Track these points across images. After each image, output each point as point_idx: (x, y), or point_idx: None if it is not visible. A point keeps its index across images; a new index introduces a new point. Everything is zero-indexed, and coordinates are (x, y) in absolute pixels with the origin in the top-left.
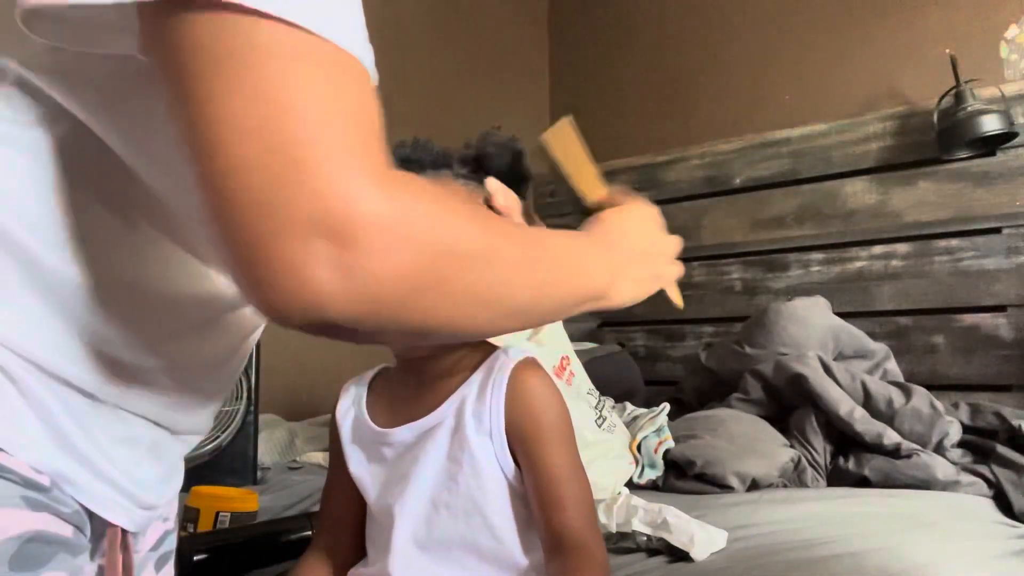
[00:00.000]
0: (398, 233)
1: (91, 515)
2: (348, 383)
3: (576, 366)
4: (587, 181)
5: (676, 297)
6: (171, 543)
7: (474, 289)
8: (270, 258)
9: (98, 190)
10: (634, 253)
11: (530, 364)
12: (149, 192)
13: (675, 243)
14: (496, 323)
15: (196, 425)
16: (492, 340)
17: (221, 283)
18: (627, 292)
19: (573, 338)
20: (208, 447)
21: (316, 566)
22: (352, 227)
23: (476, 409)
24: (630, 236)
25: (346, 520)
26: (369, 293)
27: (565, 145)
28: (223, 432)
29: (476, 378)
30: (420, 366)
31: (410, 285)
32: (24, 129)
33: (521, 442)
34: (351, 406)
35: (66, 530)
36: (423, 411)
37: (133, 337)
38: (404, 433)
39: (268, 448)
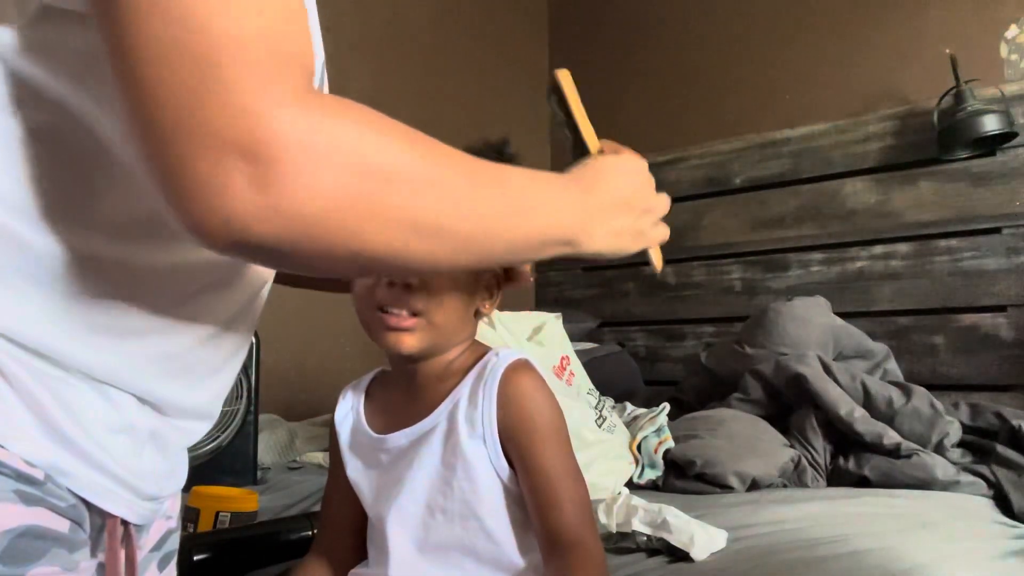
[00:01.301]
0: (317, 152)
1: (91, 509)
2: (346, 388)
3: (576, 366)
4: (588, 130)
5: (657, 260)
6: (174, 543)
7: (408, 215)
8: (187, 178)
9: (81, 167)
10: (614, 202)
11: (521, 365)
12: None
13: (663, 202)
14: (440, 255)
15: (199, 405)
16: (486, 342)
17: None
18: (600, 241)
19: (573, 338)
20: (208, 447)
21: (317, 567)
22: (268, 146)
23: (468, 413)
24: (612, 184)
25: (346, 523)
26: (289, 212)
27: (572, 91)
28: (223, 432)
29: (468, 381)
30: (413, 369)
31: (333, 205)
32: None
33: (515, 444)
34: (349, 412)
35: (62, 524)
36: (417, 416)
37: (129, 307)
38: (399, 439)
39: (268, 448)
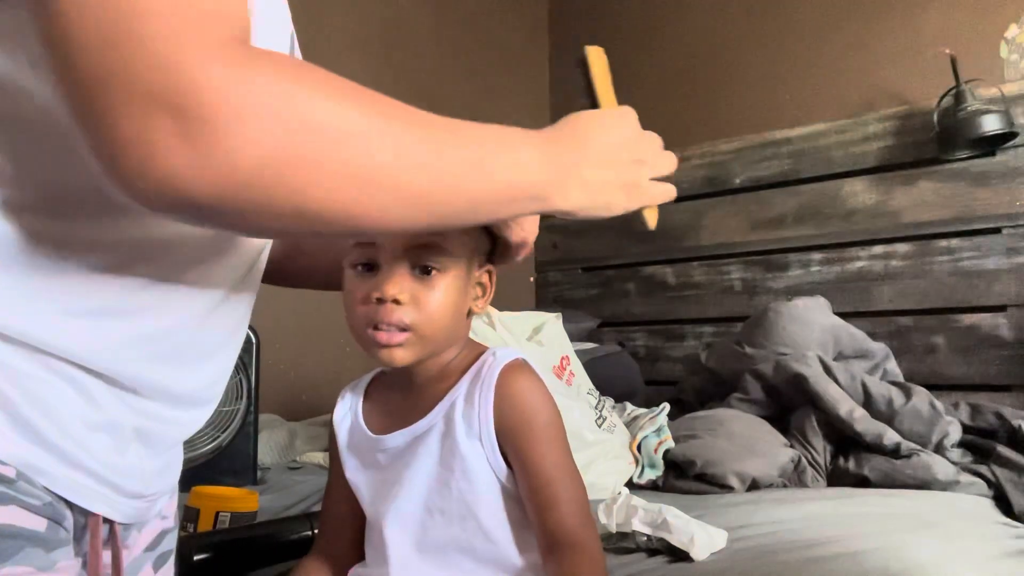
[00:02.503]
0: (247, 104)
1: (72, 507)
2: (345, 389)
3: (576, 366)
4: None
5: (651, 218)
6: (170, 542)
7: (352, 169)
8: (115, 135)
9: (38, 146)
10: (594, 154)
11: (518, 365)
12: None
13: (663, 157)
14: (395, 212)
15: (192, 391)
16: (486, 342)
17: None
18: (577, 197)
19: (573, 338)
20: (208, 447)
21: (317, 567)
22: (195, 99)
23: (466, 412)
24: (592, 135)
25: (346, 523)
26: (223, 168)
27: (600, 67)
28: (223, 432)
29: (465, 381)
30: (410, 371)
31: (268, 159)
32: None
33: (512, 444)
34: (347, 413)
35: (37, 523)
36: (414, 416)
37: (105, 287)
38: (397, 439)
39: (268, 448)
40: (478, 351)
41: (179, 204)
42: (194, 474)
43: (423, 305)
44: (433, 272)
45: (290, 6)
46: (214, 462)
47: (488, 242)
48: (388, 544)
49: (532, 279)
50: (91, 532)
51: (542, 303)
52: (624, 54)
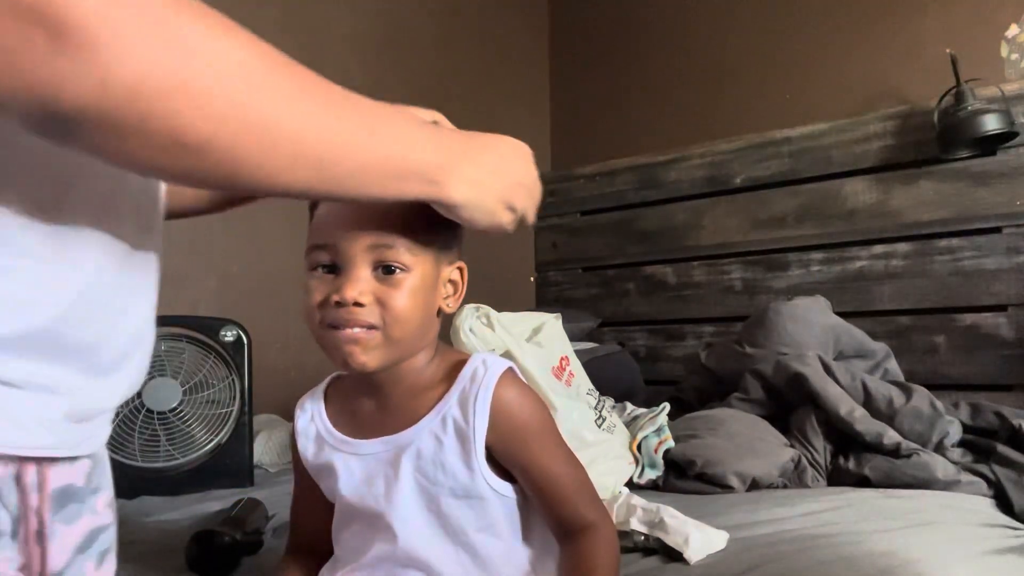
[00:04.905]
0: (130, 21)
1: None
2: (302, 399)
3: (576, 366)
4: None
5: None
6: (107, 540)
7: (238, 109)
8: None
9: None
10: (488, 160)
11: (509, 378)
12: None
13: (536, 182)
14: (276, 162)
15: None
16: (486, 343)
17: None
18: (464, 191)
19: (573, 338)
20: (203, 449)
21: (295, 570)
22: (73, 12)
23: (458, 431)
24: (488, 143)
25: (320, 531)
26: (95, 81)
27: None
28: (218, 435)
29: (453, 395)
30: (378, 375)
31: (147, 80)
32: None
33: (510, 454)
34: (310, 423)
35: None
36: (394, 425)
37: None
38: (374, 447)
39: (268, 448)
40: (454, 358)
41: (50, 114)
42: (190, 477)
43: (388, 307)
44: (397, 272)
45: (291, 6)
46: (209, 464)
47: (457, 238)
48: (371, 550)
49: (532, 279)
50: (21, 489)
51: (542, 303)
52: (624, 54)
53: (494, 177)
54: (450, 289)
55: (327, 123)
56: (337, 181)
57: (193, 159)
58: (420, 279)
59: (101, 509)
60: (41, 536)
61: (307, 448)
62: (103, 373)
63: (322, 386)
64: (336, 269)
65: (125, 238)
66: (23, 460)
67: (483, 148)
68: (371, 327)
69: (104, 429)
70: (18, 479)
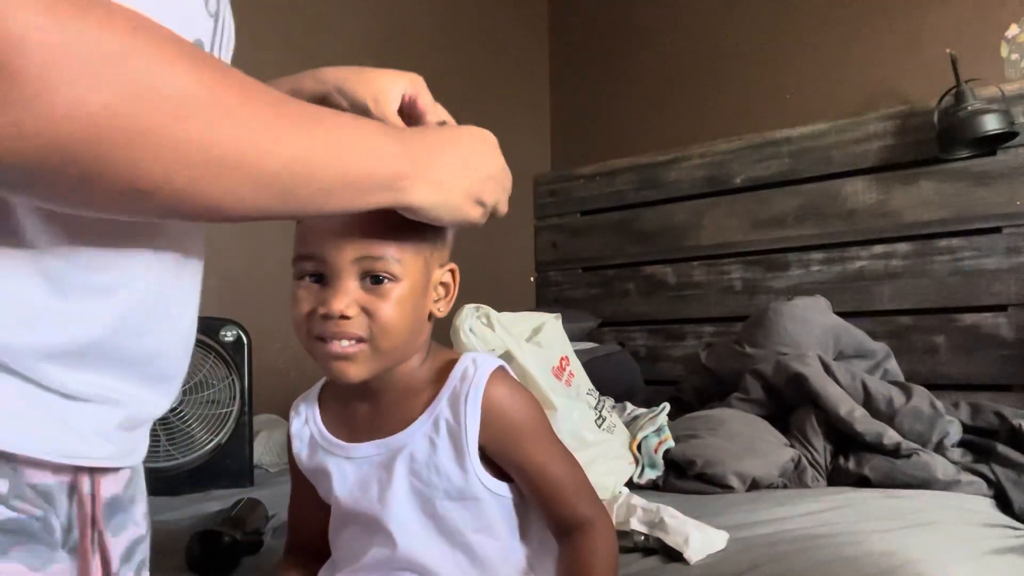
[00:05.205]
0: (74, 61)
1: (55, 501)
2: (297, 401)
3: (576, 366)
4: None
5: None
6: (144, 551)
7: (194, 147)
8: None
9: None
10: (444, 158)
11: (499, 377)
12: None
13: (504, 171)
14: (238, 193)
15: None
16: (486, 343)
17: None
18: (424, 193)
19: (573, 338)
20: (203, 450)
21: (295, 572)
22: (12, 52)
23: (451, 433)
24: (448, 139)
25: (318, 531)
26: (39, 128)
27: None
28: (218, 435)
29: (444, 396)
30: (368, 382)
31: (95, 124)
32: None
33: (504, 453)
34: (304, 426)
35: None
36: (387, 428)
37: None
38: (368, 449)
39: (268, 448)
40: (445, 357)
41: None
42: (190, 477)
43: (376, 317)
44: (385, 281)
45: (292, 8)
46: (210, 465)
47: (447, 239)
48: (369, 553)
49: (532, 279)
50: (78, 500)
51: (542, 303)
52: (624, 54)
53: (459, 175)
54: (441, 292)
55: (288, 151)
56: (301, 203)
57: (152, 200)
58: (409, 288)
59: (140, 520)
60: (102, 546)
61: (301, 451)
62: (159, 381)
63: (316, 388)
64: (323, 279)
65: (175, 246)
66: (79, 470)
67: (445, 147)
68: (359, 339)
69: (147, 439)
70: (72, 490)
